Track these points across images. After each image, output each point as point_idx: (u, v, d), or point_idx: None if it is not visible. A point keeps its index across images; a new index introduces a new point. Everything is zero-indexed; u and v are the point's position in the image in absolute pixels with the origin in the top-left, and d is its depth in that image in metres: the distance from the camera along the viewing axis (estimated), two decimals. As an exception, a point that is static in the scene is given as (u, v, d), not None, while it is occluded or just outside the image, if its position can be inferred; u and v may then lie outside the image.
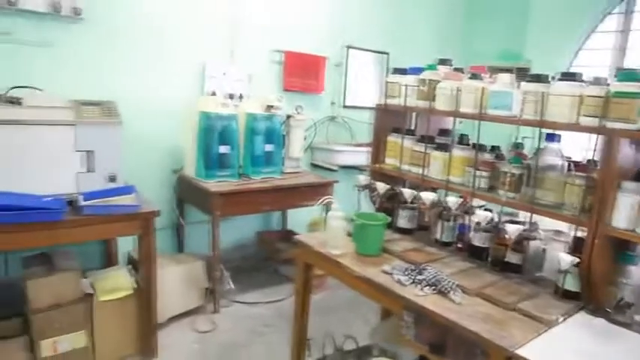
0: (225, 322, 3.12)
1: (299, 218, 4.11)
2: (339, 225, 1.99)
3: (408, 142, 2.26)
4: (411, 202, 2.17)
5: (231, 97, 3.54)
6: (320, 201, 2.19)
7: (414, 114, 2.43)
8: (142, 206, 2.34)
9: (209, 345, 2.86)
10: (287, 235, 4.02)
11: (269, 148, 3.32)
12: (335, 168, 4.09)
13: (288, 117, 3.55)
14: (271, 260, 3.95)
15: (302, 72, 4.00)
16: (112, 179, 2.44)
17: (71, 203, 2.26)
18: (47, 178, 2.26)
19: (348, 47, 4.36)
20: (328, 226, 2.00)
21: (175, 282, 2.96)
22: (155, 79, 3.30)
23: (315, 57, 4.07)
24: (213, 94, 3.48)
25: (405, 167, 2.27)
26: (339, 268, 1.94)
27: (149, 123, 3.22)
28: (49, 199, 2.15)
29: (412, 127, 2.44)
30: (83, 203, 2.19)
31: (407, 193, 2.11)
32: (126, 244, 3.08)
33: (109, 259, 3.14)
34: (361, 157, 4.19)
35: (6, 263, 2.72)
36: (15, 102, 2.42)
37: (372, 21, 4.48)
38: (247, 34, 3.67)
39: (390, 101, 2.32)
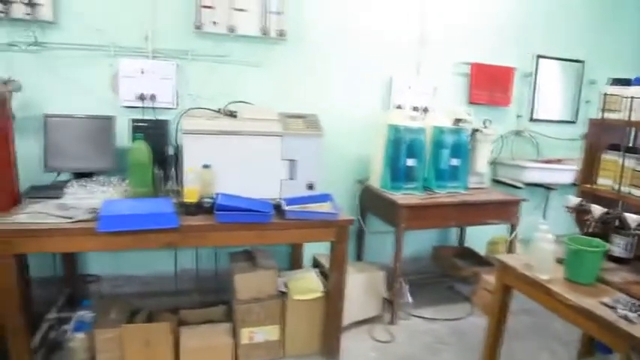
0: (401, 334, 3.10)
1: (477, 235, 3.94)
2: (549, 248, 1.84)
3: (630, 162, 2.00)
4: (634, 229, 1.91)
5: (415, 109, 3.55)
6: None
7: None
8: (339, 214, 2.45)
9: (386, 355, 2.86)
10: (465, 252, 3.88)
11: (455, 162, 3.23)
12: (521, 185, 3.82)
13: (475, 131, 3.42)
14: (447, 276, 3.83)
15: (489, 84, 3.83)
16: (310, 187, 2.62)
17: (276, 207, 2.46)
18: (257, 184, 2.51)
19: (538, 57, 4.05)
20: (536, 249, 1.86)
21: (357, 289, 3.04)
22: (344, 93, 3.48)
23: (503, 68, 3.87)
24: (399, 107, 3.53)
25: (625, 189, 2.01)
26: (546, 295, 1.79)
27: (338, 134, 3.38)
28: (260, 202, 2.38)
29: (632, 145, 2.17)
30: (287, 208, 2.38)
31: (632, 218, 1.86)
32: (310, 247, 3.28)
33: (294, 261, 3.37)
34: (551, 174, 3.87)
35: (216, 257, 3.10)
36: (232, 115, 2.75)
37: (565, 28, 4.09)
38: (433, 47, 3.65)
39: (608, 115, 2.08)
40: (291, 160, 2.57)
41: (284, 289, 2.69)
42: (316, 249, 3.29)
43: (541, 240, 1.86)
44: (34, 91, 2.94)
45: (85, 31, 3.00)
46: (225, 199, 2.27)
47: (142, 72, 3.06)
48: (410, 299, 3.28)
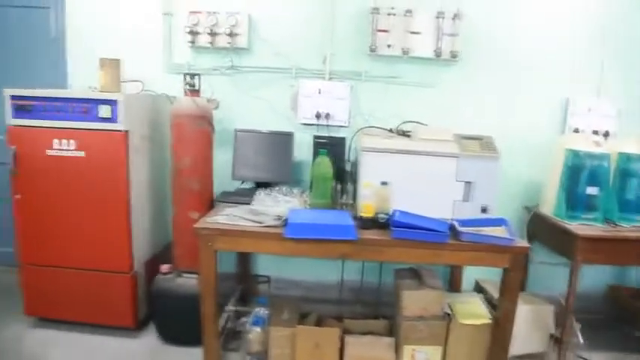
0: (569, 377, 2.87)
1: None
2: None
3: None
4: None
5: (595, 133, 3.29)
6: None
7: None
8: (515, 240, 2.37)
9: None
10: (647, 296, 3.47)
11: (644, 193, 2.92)
12: None
13: (669, 159, 3.05)
14: (625, 321, 3.44)
15: (687, 106, 3.40)
16: (484, 210, 2.57)
17: (449, 228, 2.45)
18: (429, 203, 2.53)
19: None
20: None
21: (523, 321, 2.88)
22: (515, 114, 3.37)
23: None
24: (576, 130, 3.31)
25: None
26: None
27: (506, 157, 3.26)
28: (436, 221, 2.40)
29: None
30: (462, 229, 2.36)
31: None
32: (469, 270, 3.21)
33: (452, 283, 3.31)
34: None
35: (380, 271, 3.19)
36: (404, 134, 2.83)
37: None
38: (617, 65, 3.35)
39: None
40: (466, 182, 2.56)
41: (448, 311, 2.67)
42: (477, 273, 3.21)
43: None
44: (228, 108, 3.35)
45: (271, 56, 3.35)
46: (403, 216, 2.34)
47: (319, 92, 3.30)
48: (581, 340, 3.01)
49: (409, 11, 3.18)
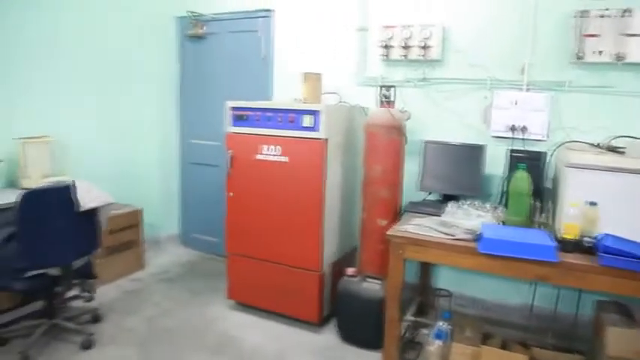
0: None
1: None
2: None
3: None
4: None
5: None
6: None
7: None
8: None
9: None
10: None
11: None
12: None
13: None
14: None
15: None
16: None
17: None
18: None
19: None
20: None
21: None
22: None
23: None
24: None
25: None
26: None
27: None
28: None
29: None
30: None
31: None
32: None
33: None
34: None
35: (578, 300, 2.90)
36: (615, 150, 2.53)
37: None
38: None
39: None
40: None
41: (665, 357, 2.31)
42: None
43: None
44: (418, 119, 3.38)
45: (465, 67, 3.30)
46: (616, 242, 2.10)
47: (515, 103, 3.15)
48: None
49: (628, 11, 2.83)
